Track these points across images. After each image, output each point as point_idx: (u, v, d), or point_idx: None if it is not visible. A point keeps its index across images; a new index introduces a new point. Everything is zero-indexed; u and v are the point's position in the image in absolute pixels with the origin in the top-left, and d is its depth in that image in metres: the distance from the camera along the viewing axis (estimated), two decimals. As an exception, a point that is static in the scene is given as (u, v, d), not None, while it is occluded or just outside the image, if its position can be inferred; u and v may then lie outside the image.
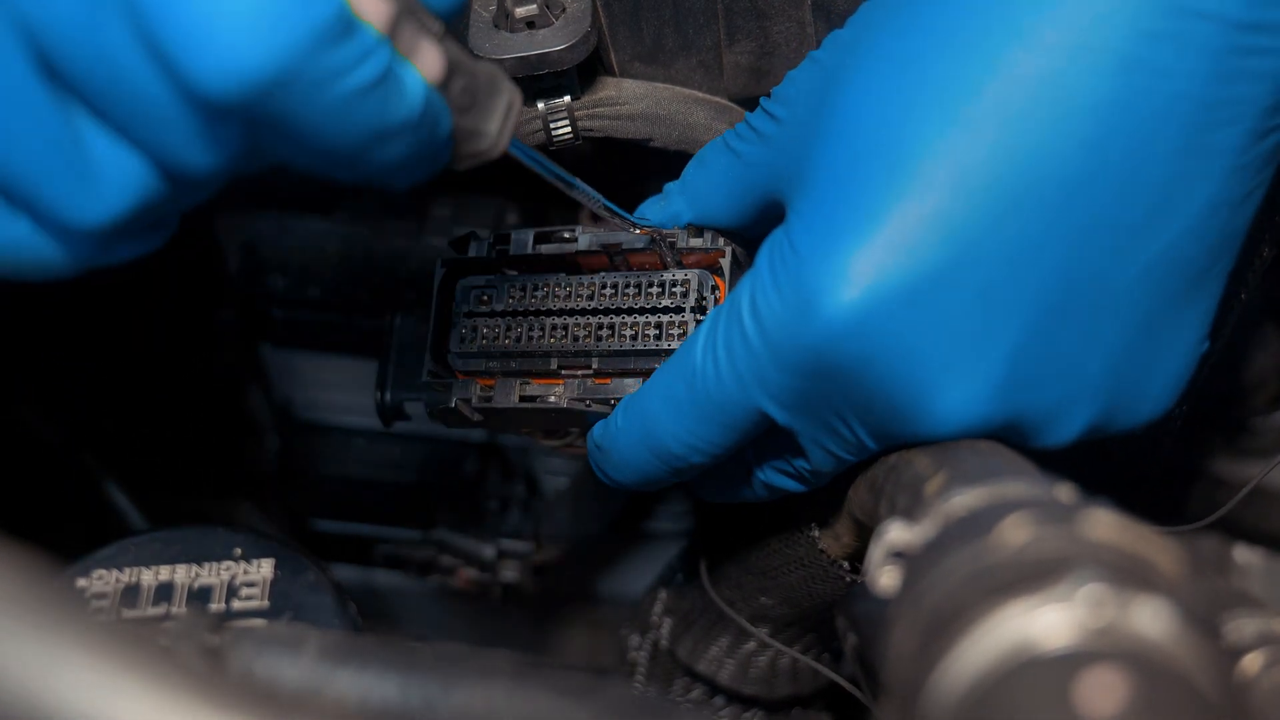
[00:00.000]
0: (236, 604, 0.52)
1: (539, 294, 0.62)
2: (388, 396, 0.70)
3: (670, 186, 0.62)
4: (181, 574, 0.53)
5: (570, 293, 0.61)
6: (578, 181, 0.55)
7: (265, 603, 0.53)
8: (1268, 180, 0.48)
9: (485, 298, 0.63)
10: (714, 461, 0.56)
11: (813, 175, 0.50)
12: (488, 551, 0.96)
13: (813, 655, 0.79)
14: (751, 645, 0.81)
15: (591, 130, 0.66)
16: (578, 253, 0.62)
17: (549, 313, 0.61)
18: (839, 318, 0.46)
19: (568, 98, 0.65)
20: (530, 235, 0.63)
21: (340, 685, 0.41)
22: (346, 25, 0.37)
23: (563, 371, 0.61)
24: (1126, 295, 0.47)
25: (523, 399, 0.61)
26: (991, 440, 0.50)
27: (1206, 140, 0.45)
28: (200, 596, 0.53)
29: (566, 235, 0.63)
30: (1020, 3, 0.45)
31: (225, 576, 0.53)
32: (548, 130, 0.65)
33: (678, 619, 0.85)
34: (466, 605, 1.04)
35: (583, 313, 0.61)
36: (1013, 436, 0.49)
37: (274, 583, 0.53)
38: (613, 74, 0.67)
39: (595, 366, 0.61)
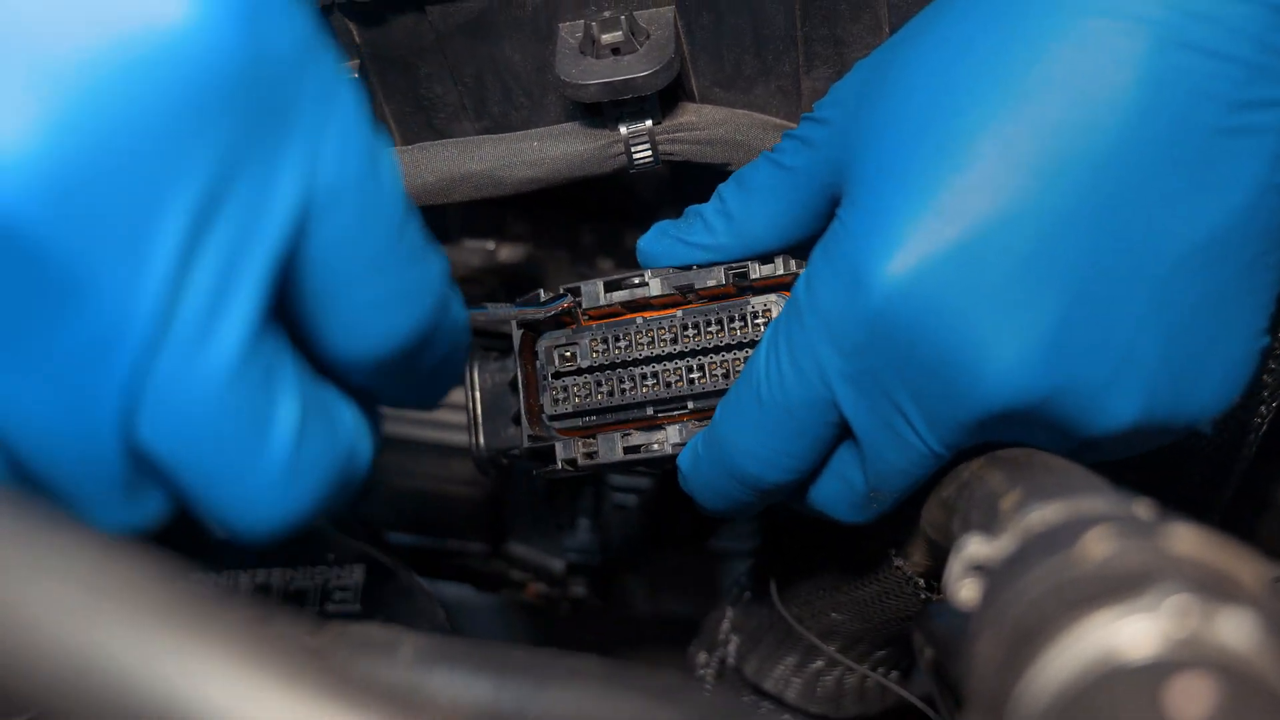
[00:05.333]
0: (330, 607, 0.54)
1: (621, 344, 0.62)
2: (482, 445, 0.70)
3: (709, 215, 0.62)
4: (277, 577, 0.55)
5: (653, 339, 0.62)
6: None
7: (357, 606, 0.54)
8: None
9: (569, 354, 0.63)
10: (795, 478, 0.56)
11: (863, 159, 0.52)
12: (557, 565, 0.98)
13: (881, 674, 0.80)
14: (819, 663, 0.82)
15: (671, 154, 0.67)
16: (651, 298, 0.63)
17: (636, 362, 0.62)
18: (892, 285, 0.48)
19: (649, 122, 0.66)
20: (600, 285, 0.63)
21: (434, 686, 0.43)
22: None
23: (660, 415, 0.62)
24: (1175, 273, 0.48)
25: (627, 450, 0.63)
26: (1035, 449, 0.51)
27: (1250, 119, 0.47)
28: (295, 600, 0.55)
29: (637, 281, 0.63)
30: None
31: (319, 580, 0.55)
32: (629, 154, 0.67)
33: (745, 636, 0.86)
34: (534, 619, 1.05)
35: (670, 358, 0.61)
36: (1066, 413, 0.49)
37: (365, 588, 0.55)
38: (693, 99, 0.68)
39: (691, 407, 0.62)
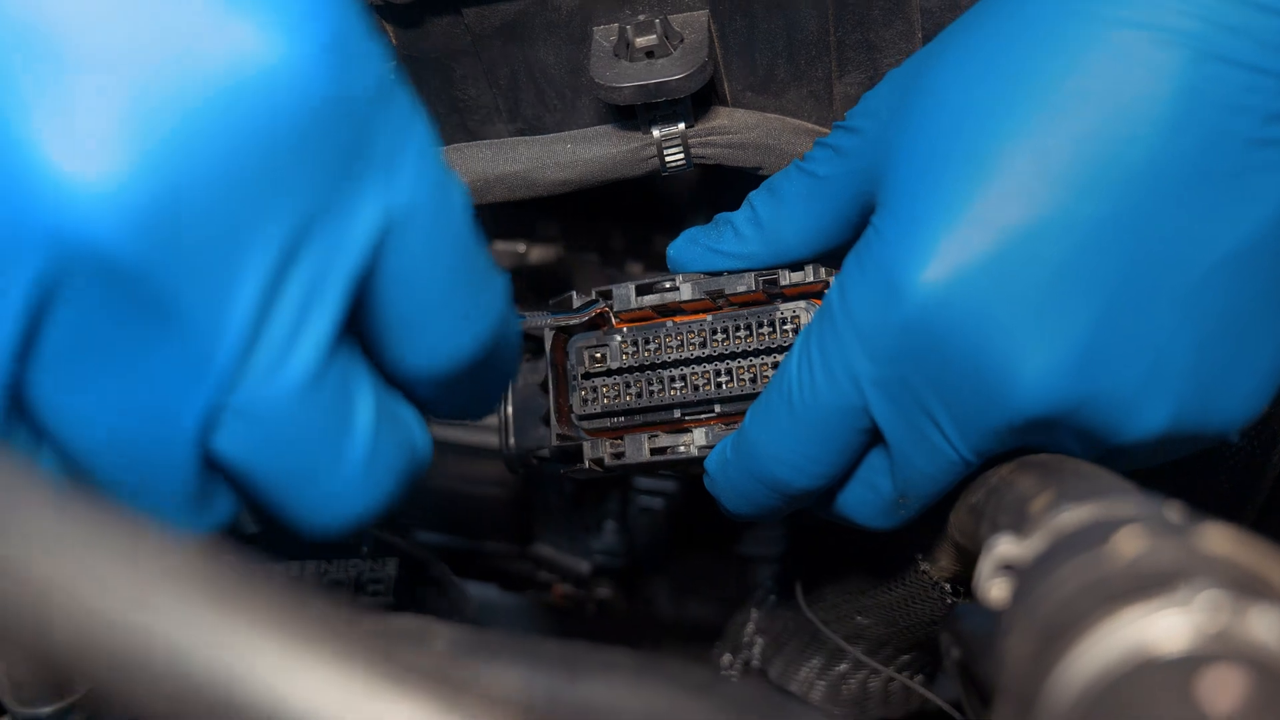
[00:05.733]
0: (364, 600, 0.55)
1: (651, 347, 0.63)
2: (512, 444, 0.71)
3: (739, 223, 0.62)
4: (311, 569, 0.56)
5: (682, 342, 0.63)
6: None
7: (391, 599, 0.55)
8: None
9: (599, 356, 0.64)
10: (822, 484, 0.57)
11: (897, 168, 0.52)
12: (583, 567, 0.98)
13: (906, 677, 0.80)
14: (843, 667, 0.82)
15: (704, 157, 0.68)
16: (682, 303, 0.63)
17: (665, 365, 0.63)
18: (926, 292, 0.48)
19: (682, 125, 0.67)
20: (632, 288, 0.64)
21: (467, 677, 0.43)
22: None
23: (687, 418, 0.63)
24: (1206, 283, 0.48)
25: (653, 451, 0.63)
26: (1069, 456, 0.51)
27: None
28: (329, 591, 0.55)
29: (668, 285, 0.64)
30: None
31: (353, 573, 0.55)
32: (661, 157, 0.67)
33: (769, 639, 0.86)
34: (560, 620, 1.06)
35: (698, 361, 0.62)
36: (1096, 420, 0.50)
37: (399, 581, 0.55)
38: (725, 103, 0.69)
39: (718, 411, 0.62)
